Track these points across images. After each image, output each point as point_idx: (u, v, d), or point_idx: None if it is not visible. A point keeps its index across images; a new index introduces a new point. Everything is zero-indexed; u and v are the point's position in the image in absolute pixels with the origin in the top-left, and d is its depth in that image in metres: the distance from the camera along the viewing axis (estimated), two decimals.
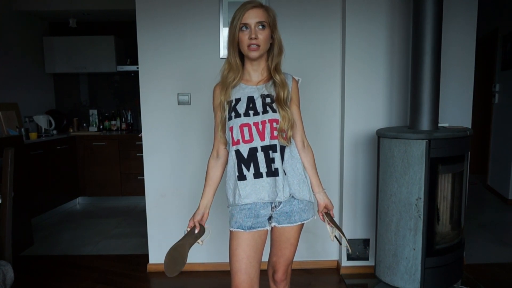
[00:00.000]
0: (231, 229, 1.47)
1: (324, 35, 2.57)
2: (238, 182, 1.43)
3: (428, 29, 2.06)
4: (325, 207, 1.56)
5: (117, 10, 4.23)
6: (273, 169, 1.42)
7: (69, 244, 3.27)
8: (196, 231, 1.48)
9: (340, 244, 1.55)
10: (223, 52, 2.52)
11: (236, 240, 1.44)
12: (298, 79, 1.56)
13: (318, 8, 2.54)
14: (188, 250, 1.43)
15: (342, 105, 2.57)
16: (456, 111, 2.54)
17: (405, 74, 2.48)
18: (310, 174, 1.54)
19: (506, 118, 4.28)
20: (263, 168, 1.41)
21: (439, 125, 2.21)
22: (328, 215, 1.56)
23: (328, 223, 1.55)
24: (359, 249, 2.61)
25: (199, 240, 1.47)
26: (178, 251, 1.40)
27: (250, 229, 1.43)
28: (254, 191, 1.42)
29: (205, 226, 1.52)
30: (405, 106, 2.49)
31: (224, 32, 2.52)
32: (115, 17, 4.58)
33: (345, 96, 2.51)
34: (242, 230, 1.43)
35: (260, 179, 1.42)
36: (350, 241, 1.55)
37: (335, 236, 1.56)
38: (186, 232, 1.48)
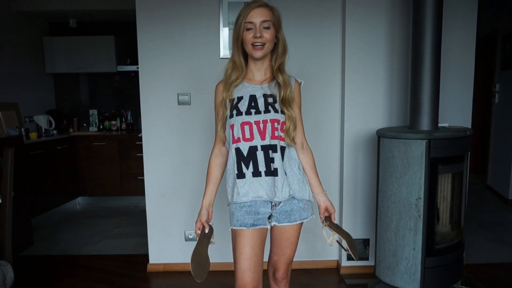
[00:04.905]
0: (233, 227, 1.46)
1: (324, 35, 2.57)
2: (237, 180, 1.43)
3: (428, 29, 2.06)
4: (327, 210, 1.54)
5: (117, 10, 4.23)
6: (272, 169, 1.42)
7: (69, 244, 3.27)
8: (206, 231, 1.47)
9: (344, 249, 1.49)
10: (223, 52, 2.52)
11: (243, 238, 1.43)
12: (301, 82, 1.56)
13: (318, 9, 2.54)
14: (207, 250, 1.40)
15: (342, 105, 2.57)
16: (456, 111, 2.54)
17: (405, 74, 2.48)
18: (310, 175, 1.54)
19: (506, 118, 4.28)
20: (262, 167, 1.42)
21: (439, 125, 2.21)
22: (328, 219, 1.54)
23: (329, 227, 1.52)
24: (359, 249, 2.61)
25: (211, 240, 1.46)
26: (200, 255, 1.37)
27: (252, 226, 1.43)
28: (252, 189, 1.42)
29: (210, 224, 1.52)
30: (405, 106, 2.49)
31: (224, 32, 2.52)
32: (115, 17, 4.57)
33: (345, 96, 2.51)
34: (245, 228, 1.43)
35: (259, 177, 1.42)
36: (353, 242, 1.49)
37: (337, 241, 1.53)
38: (197, 235, 1.47)
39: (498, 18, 4.46)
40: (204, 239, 1.44)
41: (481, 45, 4.35)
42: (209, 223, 1.51)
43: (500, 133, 4.41)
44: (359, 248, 2.60)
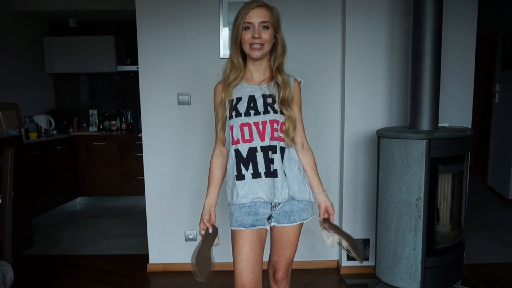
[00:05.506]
0: (232, 228, 1.46)
1: (324, 35, 2.56)
2: (236, 181, 1.43)
3: (428, 29, 2.06)
4: (326, 211, 1.54)
5: (117, 10, 4.23)
6: (271, 170, 1.42)
7: (69, 244, 3.27)
8: (210, 231, 1.47)
9: (346, 251, 1.46)
10: (223, 52, 2.52)
11: (241, 238, 1.43)
12: (301, 81, 1.55)
13: (318, 9, 2.54)
14: (210, 251, 1.40)
15: (342, 105, 2.57)
16: (456, 111, 2.54)
17: (405, 74, 2.48)
18: (310, 175, 1.53)
19: (506, 118, 4.28)
20: (261, 168, 1.41)
21: (439, 125, 2.21)
22: (327, 220, 1.52)
23: (328, 229, 1.51)
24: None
25: (216, 241, 1.45)
26: (203, 255, 1.37)
27: (251, 226, 1.43)
28: (251, 190, 1.42)
29: (215, 225, 1.51)
30: (405, 106, 2.49)
31: (224, 32, 2.52)
32: (115, 17, 4.57)
33: (345, 97, 2.51)
34: (244, 228, 1.43)
35: (258, 179, 1.41)
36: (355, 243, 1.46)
37: (338, 243, 1.51)
38: (201, 236, 1.47)
39: (498, 18, 4.46)
40: (208, 239, 1.44)
41: (481, 45, 4.35)
42: (214, 225, 1.51)
43: (500, 133, 4.41)
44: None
